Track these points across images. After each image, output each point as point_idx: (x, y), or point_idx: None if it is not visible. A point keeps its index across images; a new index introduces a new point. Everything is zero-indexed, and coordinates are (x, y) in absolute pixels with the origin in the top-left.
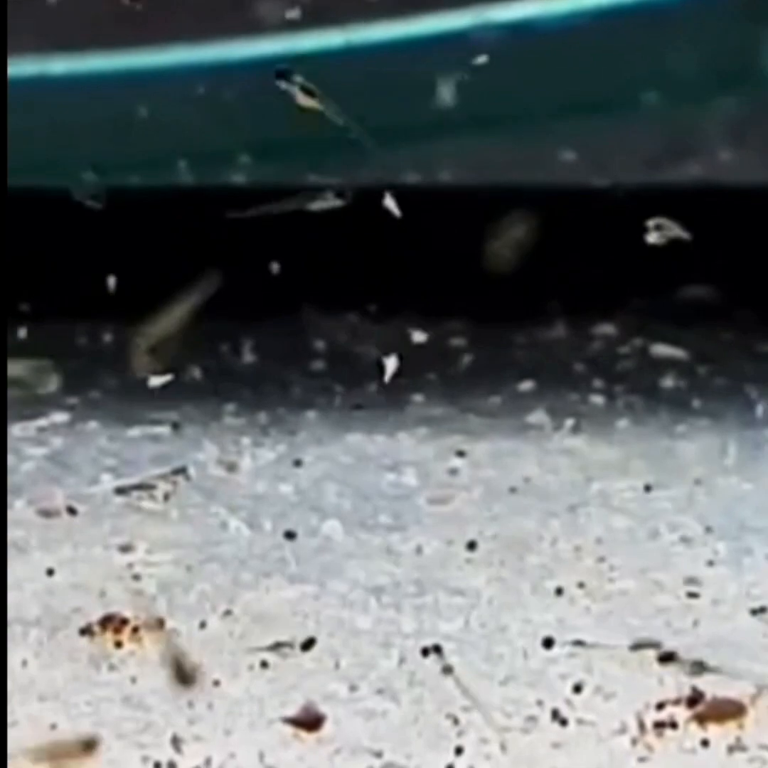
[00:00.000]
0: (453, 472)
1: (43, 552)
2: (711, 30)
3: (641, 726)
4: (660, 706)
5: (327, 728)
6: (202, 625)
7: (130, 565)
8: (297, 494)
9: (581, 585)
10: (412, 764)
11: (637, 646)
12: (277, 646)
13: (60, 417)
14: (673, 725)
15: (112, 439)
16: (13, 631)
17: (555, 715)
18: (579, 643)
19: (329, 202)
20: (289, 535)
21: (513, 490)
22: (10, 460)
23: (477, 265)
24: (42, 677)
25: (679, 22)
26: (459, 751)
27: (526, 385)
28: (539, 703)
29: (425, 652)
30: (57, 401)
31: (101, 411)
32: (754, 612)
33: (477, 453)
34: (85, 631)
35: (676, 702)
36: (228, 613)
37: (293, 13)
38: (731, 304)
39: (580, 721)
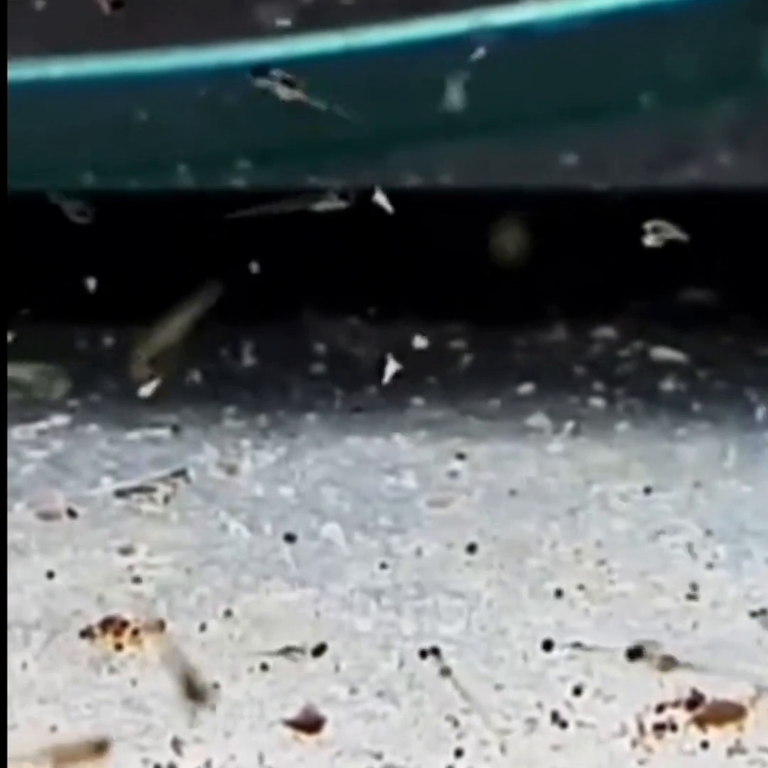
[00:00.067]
0: (453, 474)
1: (44, 555)
2: (710, 33)
3: (641, 728)
4: (660, 709)
5: (327, 730)
6: (203, 627)
7: (131, 568)
8: (297, 497)
9: (581, 587)
10: (412, 766)
11: (633, 654)
12: (287, 651)
13: (60, 420)
14: (673, 727)
15: (112, 441)
16: (14, 633)
17: (555, 717)
18: (577, 645)
19: (332, 203)
20: (289, 538)
21: (513, 492)
22: (11, 462)
23: (477, 268)
24: (42, 680)
25: (678, 24)
26: (459, 753)
27: (526, 388)
28: (539, 705)
29: (423, 654)
30: (57, 404)
31: (101, 414)
32: (754, 614)
33: (477, 456)
34: (86, 633)
35: (676, 704)
36: (228, 615)
37: (284, 21)
38: (731, 307)
39: (579, 724)
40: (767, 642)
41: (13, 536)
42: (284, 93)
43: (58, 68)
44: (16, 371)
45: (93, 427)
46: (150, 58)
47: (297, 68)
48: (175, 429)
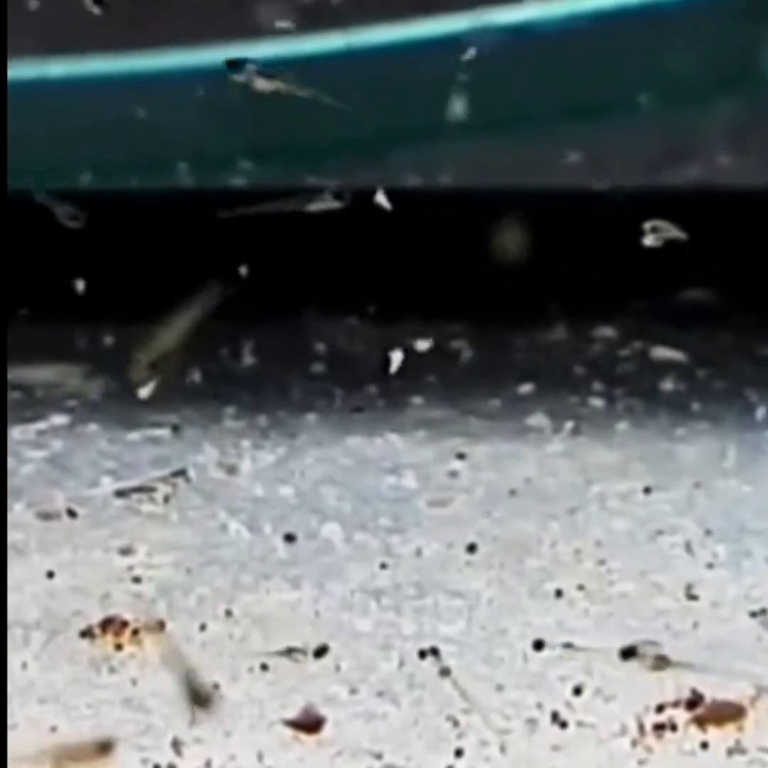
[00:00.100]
0: (453, 474)
1: (43, 555)
2: (710, 32)
3: (641, 728)
4: (659, 709)
5: (327, 730)
6: (202, 627)
7: (130, 568)
8: (297, 497)
9: (581, 587)
10: (412, 766)
11: (626, 654)
12: (288, 652)
13: (60, 419)
14: (673, 727)
15: (112, 441)
16: (14, 633)
17: (555, 717)
18: (568, 645)
19: (327, 203)
20: (289, 538)
21: (513, 492)
22: (10, 462)
23: (477, 268)
24: (42, 680)
25: (679, 24)
26: (459, 753)
27: (526, 388)
28: (539, 705)
29: (422, 654)
30: (57, 404)
31: (101, 414)
32: (754, 614)
33: (477, 455)
34: (86, 633)
35: (676, 704)
36: (228, 615)
37: (285, 21)
38: (731, 307)
39: (579, 724)
40: (767, 642)
41: (12, 536)
42: (262, 85)
43: (57, 68)
44: (41, 373)
45: (93, 427)
46: (150, 57)
47: (297, 68)
48: (175, 429)
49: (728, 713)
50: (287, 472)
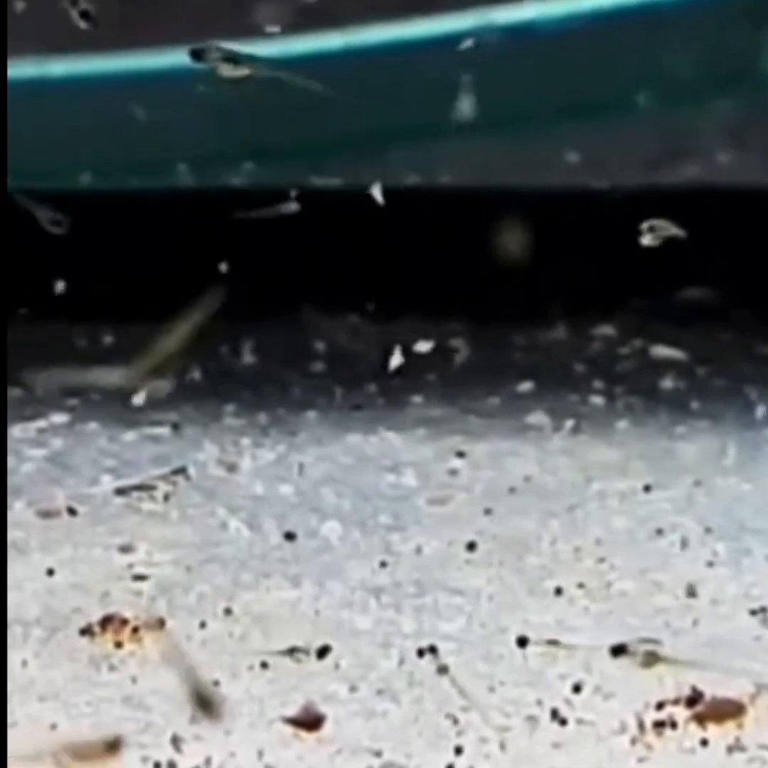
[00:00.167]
0: (452, 472)
1: (44, 553)
2: (709, 31)
3: (641, 726)
4: (659, 706)
5: (327, 728)
6: (202, 625)
7: (130, 566)
8: (297, 495)
9: (581, 585)
10: (412, 764)
11: (617, 651)
12: (291, 651)
13: (60, 418)
14: (673, 725)
15: (112, 439)
16: (14, 631)
17: (554, 714)
18: (552, 642)
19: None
20: (289, 536)
21: (512, 490)
22: (10, 461)
23: (476, 267)
24: (42, 677)
25: (677, 23)
26: (459, 750)
27: (526, 386)
28: (539, 702)
29: (421, 653)
30: (57, 402)
31: (101, 412)
32: (754, 612)
33: (476, 453)
34: (86, 631)
35: (676, 702)
36: (228, 613)
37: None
38: (730, 305)
39: (579, 721)
40: (767, 640)
41: (13, 534)
42: (227, 70)
43: (57, 67)
44: (102, 377)
45: (93, 425)
46: (149, 57)
47: (296, 67)
48: (175, 427)
49: (728, 711)
50: (287, 470)
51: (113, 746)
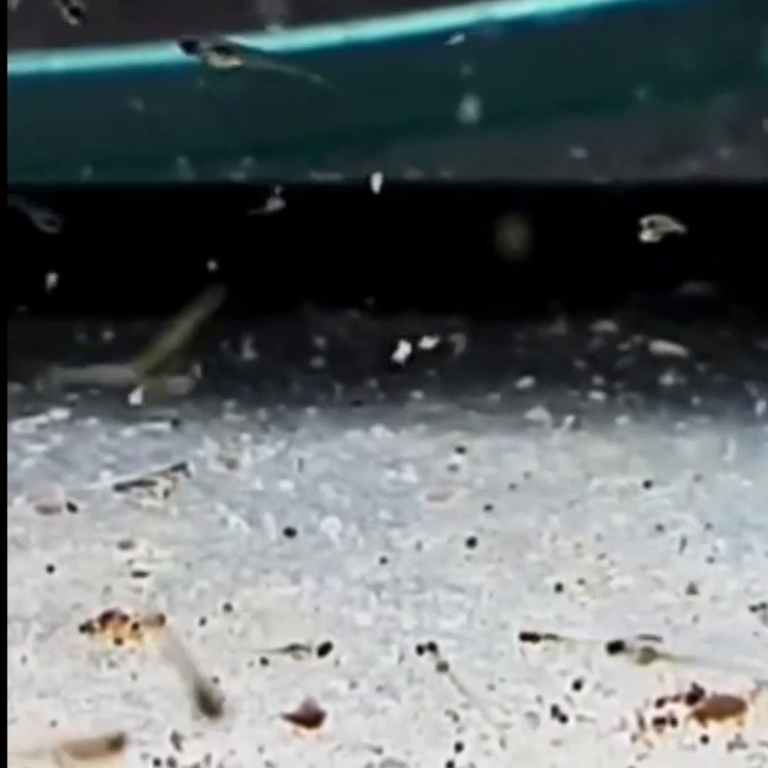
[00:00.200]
0: (453, 468)
1: (43, 549)
2: (709, 26)
3: (641, 723)
4: (660, 703)
5: (327, 725)
6: (202, 621)
7: (130, 562)
8: (297, 491)
9: (581, 581)
10: (412, 761)
11: (613, 648)
12: (292, 649)
13: (60, 414)
14: (673, 722)
15: (111, 435)
16: (13, 627)
17: (555, 711)
18: (551, 636)
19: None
20: (289, 532)
21: (513, 486)
22: (10, 456)
23: (476, 262)
24: (42, 674)
25: (678, 18)
26: (459, 747)
27: (526, 382)
28: (539, 699)
29: (420, 650)
30: (57, 398)
31: (101, 407)
32: (754, 609)
33: (476, 449)
34: (85, 627)
35: (676, 699)
36: (228, 609)
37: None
38: (730, 300)
39: (579, 718)
40: (767, 636)
41: (12, 530)
42: (218, 61)
43: (57, 62)
44: (114, 373)
45: (92, 421)
46: (149, 51)
47: (297, 61)
48: (175, 423)
49: (728, 707)
50: (287, 466)
51: (116, 744)
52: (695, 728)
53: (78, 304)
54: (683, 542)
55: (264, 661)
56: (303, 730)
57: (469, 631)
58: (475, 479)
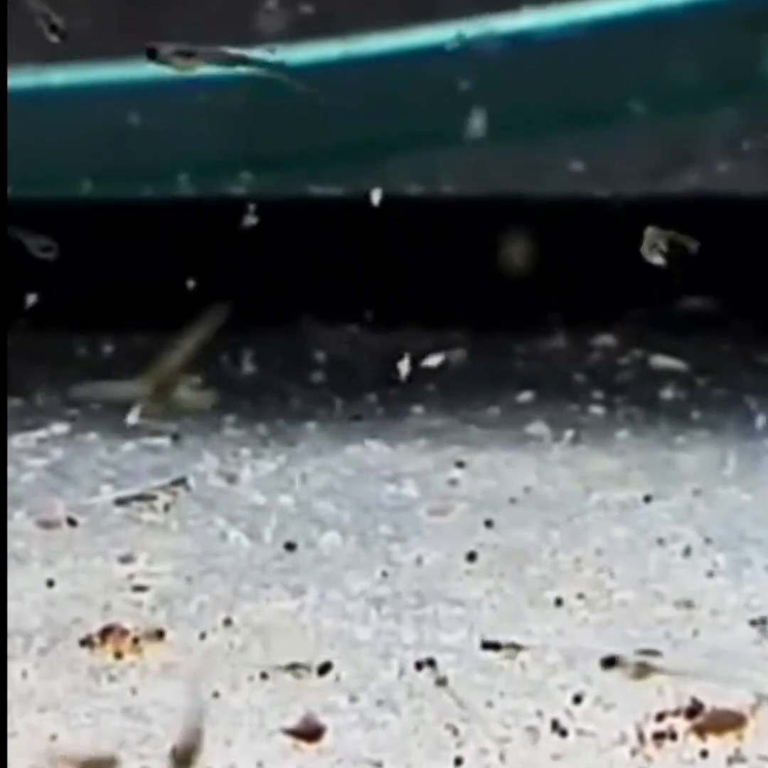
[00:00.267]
0: (452, 482)
1: (44, 563)
2: (709, 40)
3: (641, 737)
4: (659, 717)
5: (327, 739)
6: (202, 636)
7: (131, 576)
8: (297, 505)
9: (581, 596)
10: None
11: (608, 663)
12: (292, 667)
13: (60, 428)
14: (673, 736)
15: (111, 450)
16: (14, 642)
17: (555, 725)
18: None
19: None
20: (289, 547)
21: (513, 500)
22: (10, 471)
23: (477, 276)
24: (42, 688)
25: (678, 32)
26: (458, 761)
27: (526, 396)
28: (539, 713)
29: (419, 666)
30: (57, 412)
31: (101, 422)
32: (754, 623)
33: (476, 464)
34: (86, 642)
35: (676, 713)
36: (228, 624)
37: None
38: (730, 314)
39: (579, 732)
40: (767, 650)
41: (13, 544)
42: (180, 63)
43: (57, 76)
44: (118, 390)
45: (92, 436)
46: (148, 66)
47: (296, 75)
48: (175, 437)
49: (728, 722)
50: (287, 481)
51: (111, 763)
52: (695, 742)
53: (78, 318)
54: (683, 556)
55: (264, 676)
56: (303, 745)
57: (469, 646)
58: (475, 493)
